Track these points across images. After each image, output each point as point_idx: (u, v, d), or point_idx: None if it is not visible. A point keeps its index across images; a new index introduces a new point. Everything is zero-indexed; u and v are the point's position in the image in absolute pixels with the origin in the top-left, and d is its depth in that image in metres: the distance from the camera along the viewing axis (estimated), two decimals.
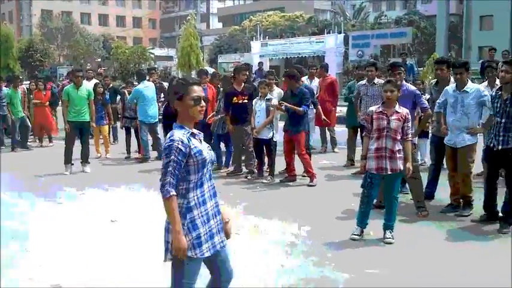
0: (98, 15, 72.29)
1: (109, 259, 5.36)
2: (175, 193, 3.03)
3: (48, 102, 14.18)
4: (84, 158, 10.15)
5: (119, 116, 12.92)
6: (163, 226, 3.20)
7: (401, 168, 5.72)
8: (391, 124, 5.66)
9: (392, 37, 30.54)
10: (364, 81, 9.00)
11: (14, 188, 8.64)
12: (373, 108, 5.95)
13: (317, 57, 30.57)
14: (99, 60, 46.21)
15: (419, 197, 6.87)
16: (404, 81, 7.11)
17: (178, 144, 3.02)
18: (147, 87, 10.96)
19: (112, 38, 54.95)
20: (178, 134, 3.08)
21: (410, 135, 5.86)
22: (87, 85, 10.80)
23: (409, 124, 5.80)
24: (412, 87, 7.27)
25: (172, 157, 3.02)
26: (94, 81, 13.70)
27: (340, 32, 30.13)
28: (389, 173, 5.69)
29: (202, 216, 3.13)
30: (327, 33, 30.93)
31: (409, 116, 5.83)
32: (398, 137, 5.69)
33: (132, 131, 11.75)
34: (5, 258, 5.38)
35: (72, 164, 9.97)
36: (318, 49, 30.04)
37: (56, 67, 42.84)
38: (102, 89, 12.16)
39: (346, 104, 10.68)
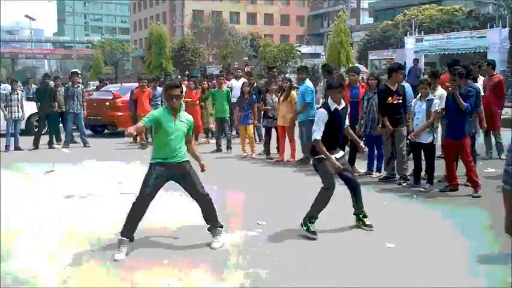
0: (246, 14, 74.29)
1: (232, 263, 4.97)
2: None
3: (198, 101, 14.26)
4: None
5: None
6: None
7: None
8: None
9: None
10: None
11: None
12: None
13: (478, 54, 28.36)
14: (246, 58, 47.05)
15: None
16: None
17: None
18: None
19: (260, 36, 55.66)
20: None
21: None
22: (187, 115, 5.77)
23: None
24: None
25: None
26: (242, 80, 13.62)
27: (504, 26, 27.60)
28: None
29: None
30: (490, 28, 28.50)
31: None
32: None
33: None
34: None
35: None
36: (479, 45, 27.81)
37: (205, 66, 44.46)
38: (248, 89, 12.01)
39: None
